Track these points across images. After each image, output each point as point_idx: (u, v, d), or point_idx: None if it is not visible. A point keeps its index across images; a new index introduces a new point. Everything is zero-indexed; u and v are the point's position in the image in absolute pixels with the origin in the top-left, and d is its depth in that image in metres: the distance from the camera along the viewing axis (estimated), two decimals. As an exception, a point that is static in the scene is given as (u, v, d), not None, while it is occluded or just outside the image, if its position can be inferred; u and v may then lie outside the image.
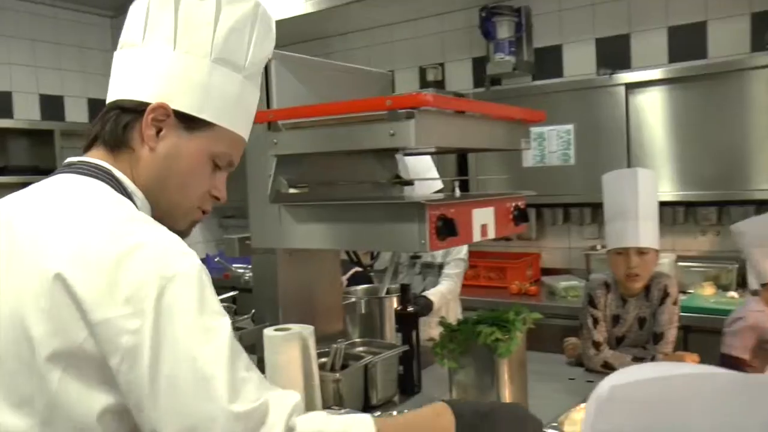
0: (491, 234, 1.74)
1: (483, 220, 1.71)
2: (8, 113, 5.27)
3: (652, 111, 3.81)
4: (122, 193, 1.10)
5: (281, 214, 1.76)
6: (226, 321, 0.99)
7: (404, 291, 2.20)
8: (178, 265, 0.97)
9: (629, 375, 0.58)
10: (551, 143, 4.15)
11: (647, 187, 2.31)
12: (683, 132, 3.72)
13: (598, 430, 0.52)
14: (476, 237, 1.67)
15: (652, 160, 3.75)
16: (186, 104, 1.13)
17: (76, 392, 0.95)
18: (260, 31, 1.23)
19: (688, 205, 3.84)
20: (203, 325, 0.96)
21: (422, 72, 4.87)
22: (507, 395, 1.79)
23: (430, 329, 2.82)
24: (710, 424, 0.50)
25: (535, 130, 4.08)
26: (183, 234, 1.22)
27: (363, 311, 2.41)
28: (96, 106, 5.76)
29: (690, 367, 0.61)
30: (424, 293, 2.95)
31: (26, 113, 5.37)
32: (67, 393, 0.95)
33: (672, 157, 3.75)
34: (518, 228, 1.87)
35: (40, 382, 0.95)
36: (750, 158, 3.52)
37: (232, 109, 1.19)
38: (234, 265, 3.69)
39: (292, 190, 1.75)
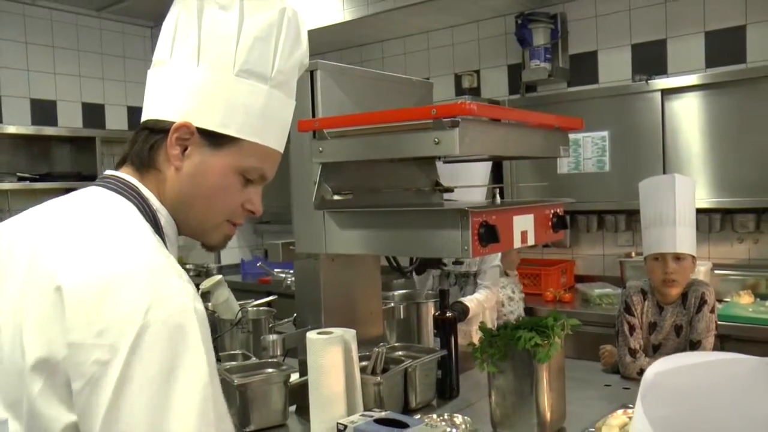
0: (531, 241, 1.77)
1: (523, 226, 1.74)
2: (53, 121, 5.43)
3: (689, 117, 3.80)
4: (147, 210, 1.11)
5: (325, 220, 1.81)
6: (202, 375, 0.94)
7: (443, 296, 2.24)
8: (165, 310, 0.94)
9: (671, 362, 0.61)
10: (586, 150, 4.15)
11: (685, 193, 2.32)
12: (720, 138, 3.70)
13: (648, 416, 0.56)
14: (517, 243, 1.70)
15: (688, 166, 3.74)
16: (209, 121, 1.12)
17: (50, 405, 0.95)
18: (287, 39, 1.19)
19: (725, 212, 3.82)
20: (174, 382, 0.92)
21: (458, 79, 4.91)
22: (546, 401, 1.81)
23: (471, 336, 2.87)
24: (742, 404, 0.53)
25: (569, 136, 4.09)
26: (216, 247, 1.25)
27: (401, 316, 2.45)
28: (135, 113, 5.90)
29: (726, 354, 0.64)
30: (460, 300, 2.98)
31: (69, 121, 5.53)
32: (43, 404, 0.95)
33: (708, 163, 3.73)
34: (557, 235, 1.89)
35: (25, 389, 0.96)
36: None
37: (259, 121, 1.16)
38: (276, 270, 3.77)
39: (336, 197, 1.80)
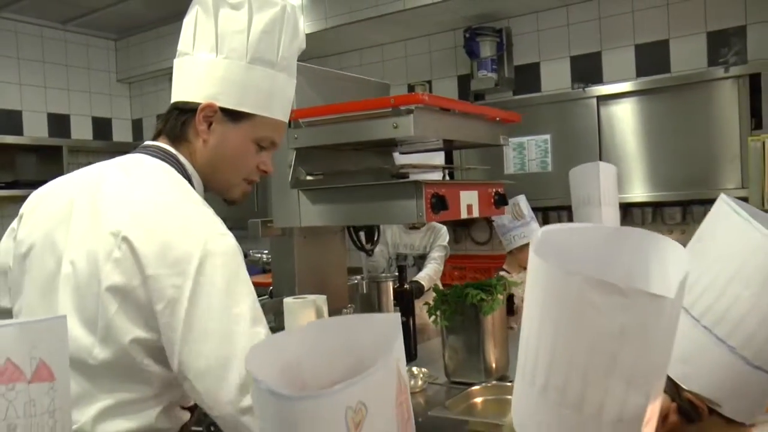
0: (476, 213, 2.08)
1: (469, 200, 2.05)
2: (18, 131, 5.55)
3: (622, 120, 4.20)
4: (183, 174, 1.41)
5: (299, 198, 2.09)
6: (251, 290, 1.27)
7: (401, 271, 2.53)
8: (218, 242, 1.26)
9: (559, 226, 0.90)
10: (530, 152, 4.52)
11: (608, 177, 2.66)
12: (650, 139, 4.10)
13: (535, 263, 0.85)
14: (463, 214, 2.01)
15: (621, 164, 4.11)
16: (229, 101, 1.41)
17: (122, 321, 1.24)
18: (288, 31, 1.45)
19: (656, 206, 4.21)
20: (232, 292, 1.24)
21: (411, 88, 5.23)
22: (491, 350, 2.12)
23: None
24: (601, 263, 0.83)
25: (514, 140, 4.46)
26: (237, 201, 1.55)
27: (364, 291, 2.73)
28: (99, 124, 6.07)
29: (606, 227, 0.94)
30: (415, 279, 3.30)
31: (35, 131, 5.65)
32: (117, 321, 1.24)
33: (640, 161, 4.13)
34: (499, 210, 2.21)
35: (102, 308, 1.25)
36: (711, 161, 3.91)
37: (269, 99, 1.43)
38: (251, 251, 4.03)
39: (309, 178, 2.09)
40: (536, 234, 0.86)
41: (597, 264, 0.80)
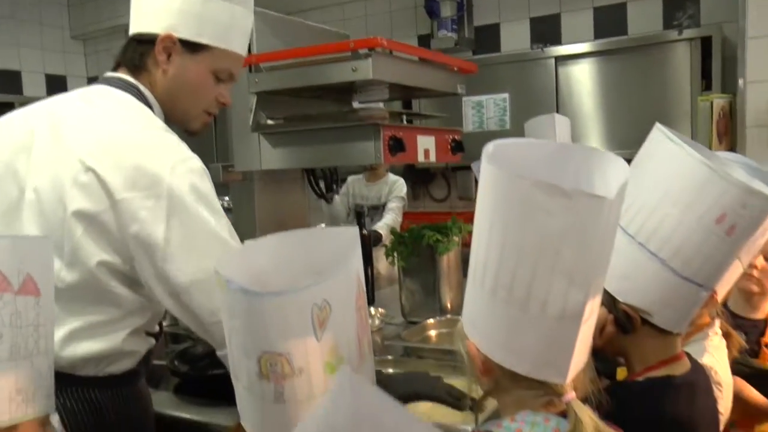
0: (432, 158, 2.14)
1: (426, 145, 2.11)
2: (-34, 87, 5.39)
3: (579, 81, 4.29)
4: (145, 103, 1.44)
5: (260, 142, 2.13)
6: (221, 209, 1.33)
7: (359, 218, 2.59)
8: (186, 164, 1.30)
9: (509, 140, 0.97)
10: (489, 110, 4.59)
11: (562, 128, 2.75)
12: (606, 98, 4.21)
13: (487, 170, 0.91)
14: (420, 158, 2.07)
15: (578, 123, 4.22)
16: (188, 33, 1.44)
17: (89, 245, 1.28)
18: None
19: (610, 164, 4.33)
20: (207, 210, 1.30)
21: (372, 47, 5.25)
22: (446, 290, 2.20)
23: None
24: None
25: (473, 98, 4.53)
26: (197, 133, 1.58)
27: (325, 238, 2.79)
28: (53, 81, 5.94)
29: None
30: (373, 228, 3.37)
31: (-17, 87, 5.50)
32: (84, 244, 1.28)
33: (596, 120, 4.24)
34: (455, 157, 2.27)
35: (68, 232, 1.29)
36: (663, 120, 3.94)
37: (227, 32, 1.47)
38: None
39: (270, 122, 2.12)
40: (488, 146, 0.92)
41: (545, 174, 0.87)
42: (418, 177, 4.96)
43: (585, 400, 0.97)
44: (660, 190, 1.12)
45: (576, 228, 0.84)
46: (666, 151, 1.14)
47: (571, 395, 0.91)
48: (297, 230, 1.08)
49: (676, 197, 1.10)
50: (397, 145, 1.92)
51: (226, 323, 0.97)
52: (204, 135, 1.68)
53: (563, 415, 0.92)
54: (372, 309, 2.27)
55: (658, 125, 1.16)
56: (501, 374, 0.95)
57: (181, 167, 1.29)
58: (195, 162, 1.33)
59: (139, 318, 1.38)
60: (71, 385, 1.34)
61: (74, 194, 1.28)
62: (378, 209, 3.73)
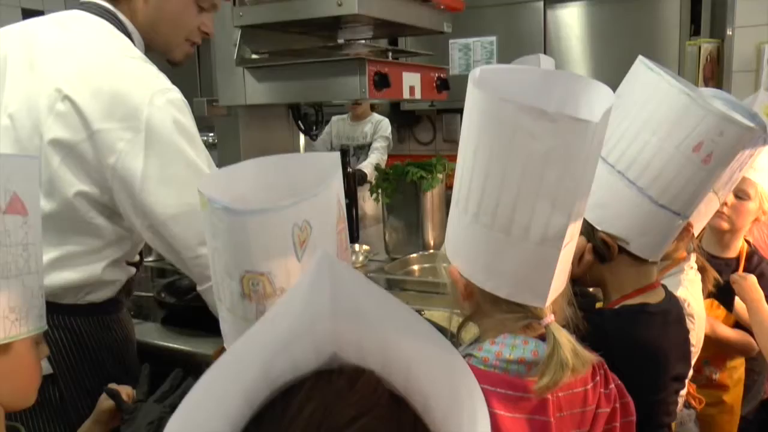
0: (418, 95, 2.14)
1: (411, 82, 2.10)
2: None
3: (568, 25, 4.26)
4: (123, 31, 1.41)
5: (245, 76, 2.11)
6: (200, 140, 1.32)
7: (343, 154, 2.59)
8: (165, 95, 1.29)
9: (495, 65, 0.97)
10: (476, 53, 4.55)
11: (547, 68, 2.74)
12: (594, 43, 4.19)
13: (473, 94, 0.92)
14: (405, 94, 2.06)
15: (567, 68, 4.21)
16: None
17: (66, 175, 1.27)
18: None
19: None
20: (186, 141, 1.29)
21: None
22: (429, 226, 2.22)
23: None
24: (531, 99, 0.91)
25: (460, 41, 4.49)
26: (180, 62, 1.57)
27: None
28: (30, 16, 5.80)
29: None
30: (358, 167, 3.37)
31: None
32: (61, 174, 1.28)
33: (584, 66, 4.22)
34: (441, 95, 2.26)
35: (45, 161, 1.27)
36: (656, 61, 4.02)
37: None
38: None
39: (254, 56, 2.09)
40: (475, 71, 0.92)
41: (531, 98, 0.87)
42: (404, 119, 4.94)
43: (563, 325, 1.00)
44: (641, 119, 1.13)
45: (560, 151, 0.85)
46: (647, 81, 1.15)
47: (549, 318, 0.93)
48: (278, 155, 1.09)
49: (656, 126, 1.12)
50: (382, 81, 1.91)
51: (209, 244, 0.98)
52: (188, 68, 1.66)
53: (542, 338, 0.95)
54: (356, 246, 2.29)
55: (640, 57, 1.17)
56: (482, 298, 0.98)
57: (160, 98, 1.27)
58: (174, 93, 1.31)
59: (119, 248, 1.39)
60: (52, 312, 1.35)
61: (51, 123, 1.26)
62: (363, 149, 3.72)
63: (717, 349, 1.82)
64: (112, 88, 1.26)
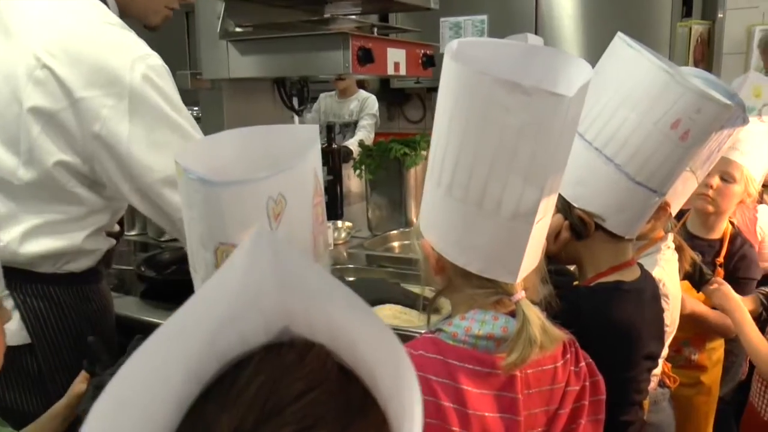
0: (403, 71, 2.12)
1: (396, 58, 2.08)
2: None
3: (560, 4, 4.24)
4: None
5: (228, 50, 2.08)
6: (183, 105, 1.32)
7: (329, 130, 2.58)
8: (146, 61, 1.27)
9: (473, 39, 0.96)
10: (467, 31, 4.52)
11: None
12: (586, 24, 4.18)
13: (449, 67, 0.91)
14: (390, 70, 2.04)
15: (558, 48, 4.19)
16: None
17: (46, 144, 1.26)
18: None
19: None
20: (170, 107, 1.28)
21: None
22: (412, 203, 2.21)
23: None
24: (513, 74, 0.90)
25: (451, 19, 4.45)
26: (158, 27, 1.55)
27: (294, 152, 2.77)
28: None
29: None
30: (344, 143, 3.35)
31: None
32: (41, 143, 1.26)
33: (576, 46, 4.21)
34: (426, 72, 2.24)
35: (24, 130, 1.26)
36: (643, 43, 4.00)
37: None
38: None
39: (238, 29, 2.07)
40: (452, 43, 0.91)
41: (509, 72, 0.86)
42: (393, 98, 4.93)
43: (537, 303, 0.99)
44: (619, 95, 1.13)
45: (533, 126, 0.85)
46: (626, 57, 1.14)
47: (520, 295, 0.93)
48: (257, 126, 1.08)
49: (634, 102, 1.11)
50: (366, 56, 1.89)
51: (185, 214, 0.97)
52: (177, 40, 1.64)
53: (513, 315, 0.95)
54: (339, 222, 2.28)
55: (619, 34, 1.17)
56: (453, 273, 0.97)
57: (141, 64, 1.26)
58: (155, 59, 1.30)
59: (100, 218, 1.38)
60: (31, 281, 1.35)
61: (30, 91, 1.25)
62: (350, 126, 3.70)
63: (697, 330, 1.83)
64: (92, 56, 1.25)
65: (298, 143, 1.05)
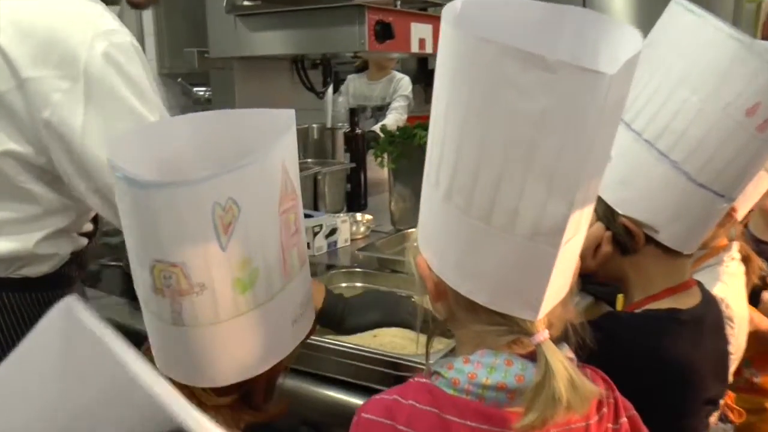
0: (429, 48, 1.89)
1: (422, 34, 1.86)
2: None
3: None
4: None
5: (237, 25, 1.89)
6: (153, 91, 1.11)
7: (353, 114, 2.37)
8: (108, 38, 1.07)
9: None
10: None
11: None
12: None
13: (446, 34, 0.69)
14: (414, 47, 1.82)
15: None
16: None
17: None
18: None
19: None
20: (133, 92, 1.08)
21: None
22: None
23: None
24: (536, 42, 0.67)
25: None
26: (142, 6, 1.36)
27: (315, 137, 2.58)
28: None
29: None
30: (372, 129, 3.13)
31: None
32: None
33: (629, 19, 3.90)
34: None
35: None
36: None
37: None
38: (195, 89, 3.82)
39: (246, 2, 1.87)
40: (454, 3, 0.69)
41: (527, 41, 0.64)
42: (430, 79, 4.66)
43: (564, 337, 0.77)
44: (676, 73, 0.88)
45: (560, 114, 0.62)
46: (686, 25, 0.89)
47: (542, 336, 0.71)
48: (226, 110, 0.88)
49: (696, 82, 0.86)
50: (385, 31, 1.68)
51: (122, 222, 0.78)
52: (188, 14, 1.45)
53: (531, 356, 0.73)
54: (359, 215, 2.07)
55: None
56: (456, 302, 0.76)
57: (102, 42, 1.06)
58: (120, 36, 1.09)
59: (60, 219, 1.19)
60: None
61: None
62: (382, 110, 3.45)
63: (760, 348, 1.57)
64: (46, 29, 1.06)
65: (270, 131, 0.84)
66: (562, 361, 0.70)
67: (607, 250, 1.00)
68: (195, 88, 2.54)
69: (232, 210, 0.73)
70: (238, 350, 0.79)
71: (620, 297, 1.27)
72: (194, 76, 2.34)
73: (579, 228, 0.71)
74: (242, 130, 0.86)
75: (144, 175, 0.72)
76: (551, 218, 0.66)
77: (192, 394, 0.81)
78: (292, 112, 0.86)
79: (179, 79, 2.35)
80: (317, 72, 2.35)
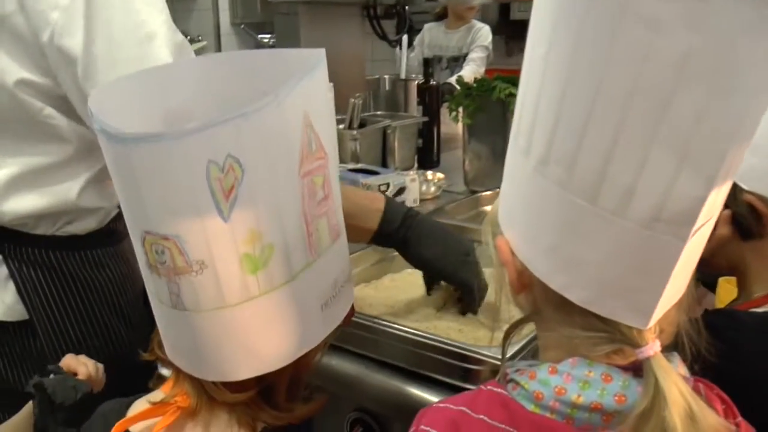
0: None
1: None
2: None
3: None
4: None
5: (302, -37, 1.74)
6: (161, 7, 0.98)
7: (427, 65, 2.20)
8: None
9: None
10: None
11: None
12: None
13: None
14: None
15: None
16: None
17: (3, 59, 0.97)
18: None
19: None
20: (138, 8, 0.96)
21: None
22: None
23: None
24: None
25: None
26: None
27: (387, 88, 2.43)
28: None
29: None
30: (448, 80, 2.95)
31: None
32: None
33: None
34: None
35: None
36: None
37: None
38: (260, 36, 3.69)
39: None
40: None
41: None
42: (514, 30, 4.41)
43: (675, 344, 0.62)
44: None
45: (709, 58, 0.46)
46: None
47: (652, 349, 0.55)
48: (244, 51, 0.74)
49: None
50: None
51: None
52: None
53: (636, 370, 0.57)
54: (430, 174, 1.92)
55: None
56: (544, 298, 0.60)
57: None
58: None
59: (94, 161, 1.08)
60: (24, 245, 1.08)
61: None
62: (459, 61, 3.26)
63: None
64: None
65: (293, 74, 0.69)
66: (677, 383, 0.54)
67: (724, 233, 0.83)
68: (259, 35, 2.41)
69: (233, 171, 0.59)
70: (252, 340, 0.65)
71: (722, 281, 1.09)
72: (267, 25, 2.22)
73: (712, 213, 0.54)
74: (266, 73, 0.71)
75: (136, 127, 0.59)
76: (680, 200, 0.50)
77: (202, 387, 0.69)
78: (322, 51, 0.70)
79: (242, 26, 2.23)
80: (390, 23, 2.20)
